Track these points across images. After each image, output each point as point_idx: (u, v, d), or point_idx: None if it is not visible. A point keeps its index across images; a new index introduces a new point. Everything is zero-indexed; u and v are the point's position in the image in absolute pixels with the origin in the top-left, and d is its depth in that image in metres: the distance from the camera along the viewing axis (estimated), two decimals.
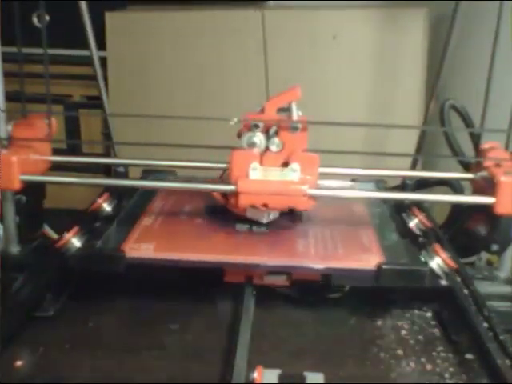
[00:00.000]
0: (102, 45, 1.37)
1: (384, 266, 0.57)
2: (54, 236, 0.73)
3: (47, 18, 0.67)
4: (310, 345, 0.57)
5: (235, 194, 0.60)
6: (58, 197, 0.95)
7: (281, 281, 0.62)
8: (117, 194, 0.75)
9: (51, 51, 0.68)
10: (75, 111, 1.57)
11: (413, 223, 0.70)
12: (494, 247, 0.62)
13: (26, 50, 0.67)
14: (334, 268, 0.59)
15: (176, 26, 1.43)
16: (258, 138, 0.62)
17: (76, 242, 0.63)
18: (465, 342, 0.56)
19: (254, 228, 0.64)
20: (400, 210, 0.73)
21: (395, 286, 0.59)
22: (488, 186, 0.60)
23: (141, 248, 0.60)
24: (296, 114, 0.62)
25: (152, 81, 1.45)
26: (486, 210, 0.60)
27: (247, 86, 1.38)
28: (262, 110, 0.62)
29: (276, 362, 0.49)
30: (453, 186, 0.75)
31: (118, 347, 0.56)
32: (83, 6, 0.77)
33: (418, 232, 0.68)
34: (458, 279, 0.60)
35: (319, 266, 0.59)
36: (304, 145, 0.62)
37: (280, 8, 1.48)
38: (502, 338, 0.51)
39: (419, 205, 0.73)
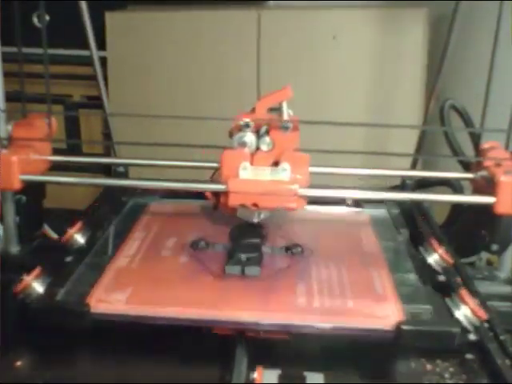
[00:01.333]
0: (102, 45, 1.37)
1: (405, 327, 0.49)
2: (54, 236, 0.74)
3: (47, 18, 0.67)
4: (310, 345, 0.57)
5: (225, 193, 0.59)
6: (58, 197, 0.95)
7: (279, 334, 0.54)
8: (92, 223, 0.68)
9: (51, 51, 0.68)
10: (75, 111, 1.57)
11: (432, 259, 0.63)
12: (494, 247, 0.62)
13: (26, 50, 0.67)
14: (343, 328, 0.51)
15: (176, 26, 1.43)
16: (249, 137, 0.61)
17: (38, 287, 0.54)
18: (465, 342, 0.56)
19: (247, 271, 0.58)
20: (416, 242, 0.66)
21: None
22: (488, 185, 0.60)
23: (110, 299, 0.53)
24: (287, 113, 0.62)
25: (152, 81, 1.45)
26: (486, 209, 0.60)
27: (247, 86, 1.39)
28: (253, 110, 0.62)
29: (276, 362, 0.49)
30: (453, 186, 0.75)
31: (118, 347, 0.56)
32: (83, 5, 0.77)
33: (438, 270, 0.61)
34: (489, 333, 0.53)
35: (325, 324, 0.51)
36: (295, 144, 0.61)
37: (280, 8, 1.48)
38: (502, 338, 0.51)
39: (420, 207, 0.72)
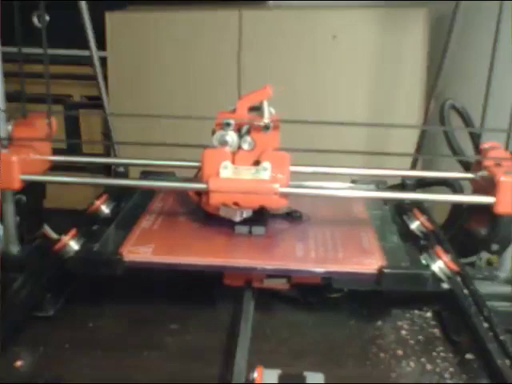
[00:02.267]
0: (102, 45, 1.37)
1: (385, 270, 0.56)
2: (54, 236, 0.73)
3: (47, 18, 0.67)
4: (310, 345, 0.57)
5: (207, 192, 0.60)
6: (58, 197, 0.95)
7: (280, 284, 0.62)
8: (115, 195, 0.74)
9: (51, 51, 0.68)
10: (75, 111, 1.57)
11: (414, 225, 0.70)
12: (494, 247, 0.62)
13: (26, 50, 0.67)
14: (335, 272, 0.58)
15: (176, 26, 1.43)
16: (230, 136, 0.62)
17: (74, 245, 0.62)
18: (465, 342, 0.56)
19: (253, 230, 0.64)
20: (401, 211, 0.73)
21: (396, 289, 0.58)
22: (488, 185, 0.60)
23: (139, 251, 0.60)
24: (268, 112, 0.62)
25: (152, 81, 1.45)
26: (486, 209, 0.60)
27: (247, 86, 1.38)
28: (234, 109, 0.63)
29: (276, 362, 0.49)
30: (453, 186, 0.75)
31: (118, 347, 0.56)
32: (83, 5, 0.77)
33: (419, 234, 0.68)
34: (460, 282, 0.59)
35: (319, 269, 0.58)
36: (276, 144, 0.62)
37: (280, 8, 1.48)
38: (501, 338, 0.51)
39: (420, 205, 0.73)
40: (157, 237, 0.63)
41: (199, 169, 0.65)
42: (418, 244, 0.65)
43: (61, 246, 0.61)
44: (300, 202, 0.70)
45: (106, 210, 0.71)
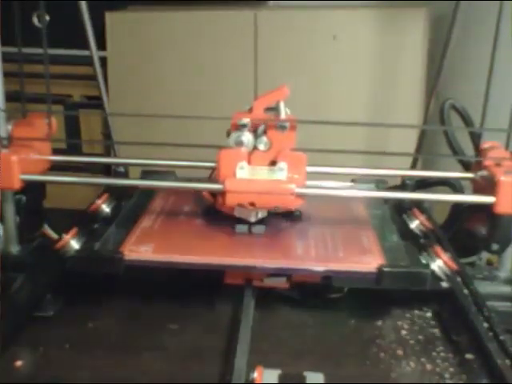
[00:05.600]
0: (101, 45, 1.37)
1: (385, 269, 0.57)
2: (54, 236, 0.74)
3: (47, 18, 0.67)
4: (310, 345, 0.57)
5: (223, 192, 0.60)
6: (58, 197, 0.95)
7: (281, 283, 0.62)
8: (116, 194, 0.74)
9: (51, 51, 0.68)
10: (75, 111, 1.57)
11: (413, 224, 0.70)
12: (494, 247, 0.62)
13: (26, 50, 0.67)
14: (335, 270, 0.58)
15: (176, 26, 1.42)
16: (246, 137, 0.62)
17: (74, 244, 0.62)
18: (465, 342, 0.56)
19: (254, 229, 0.64)
20: (400, 211, 0.73)
21: (396, 288, 0.58)
22: (488, 185, 0.60)
23: (140, 250, 0.60)
24: (284, 112, 0.62)
25: (152, 81, 1.45)
26: (486, 209, 0.60)
27: (247, 86, 1.38)
28: (250, 109, 0.62)
29: (276, 362, 0.49)
30: (453, 186, 0.75)
31: (118, 347, 0.56)
32: (83, 6, 0.77)
33: (418, 233, 0.68)
34: (459, 281, 0.59)
35: (319, 268, 0.58)
36: (292, 144, 0.62)
37: (280, 8, 1.48)
38: (501, 338, 0.51)
39: (419, 205, 0.73)
40: (157, 236, 0.63)
41: (214, 169, 0.65)
42: (417, 243, 0.65)
43: (62, 244, 0.62)
44: None
45: (106, 209, 0.72)
